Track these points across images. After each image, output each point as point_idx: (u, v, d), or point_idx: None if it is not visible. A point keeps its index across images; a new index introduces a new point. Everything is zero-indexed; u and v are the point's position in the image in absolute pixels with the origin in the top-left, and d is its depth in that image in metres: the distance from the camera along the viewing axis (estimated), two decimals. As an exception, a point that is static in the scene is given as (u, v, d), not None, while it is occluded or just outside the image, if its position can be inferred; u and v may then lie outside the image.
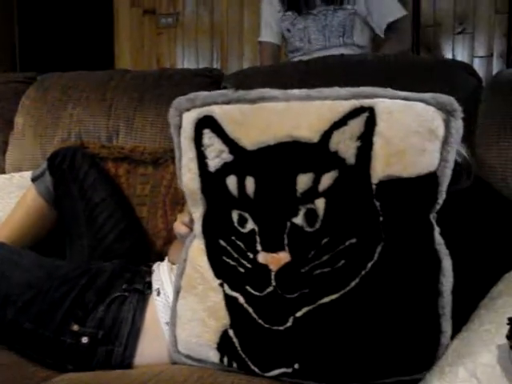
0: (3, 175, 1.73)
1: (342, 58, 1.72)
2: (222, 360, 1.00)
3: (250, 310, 0.96)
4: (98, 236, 1.44)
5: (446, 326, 0.91)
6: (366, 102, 0.88)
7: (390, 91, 0.90)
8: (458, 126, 0.88)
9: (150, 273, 1.23)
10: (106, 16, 3.59)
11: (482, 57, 2.90)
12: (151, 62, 3.54)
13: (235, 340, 0.98)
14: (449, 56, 2.92)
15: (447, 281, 0.90)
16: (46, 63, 2.49)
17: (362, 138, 0.87)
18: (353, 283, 0.90)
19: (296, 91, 0.94)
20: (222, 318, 0.99)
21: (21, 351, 1.14)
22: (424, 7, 2.95)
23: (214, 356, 1.01)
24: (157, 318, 1.12)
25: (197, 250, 1.03)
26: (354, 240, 0.89)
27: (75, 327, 1.11)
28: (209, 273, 1.00)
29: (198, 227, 1.03)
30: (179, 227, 1.12)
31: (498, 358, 0.81)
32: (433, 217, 0.91)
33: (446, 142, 0.88)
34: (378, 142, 0.86)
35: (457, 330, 0.94)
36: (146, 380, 0.97)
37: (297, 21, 2.35)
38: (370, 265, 0.89)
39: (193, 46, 3.37)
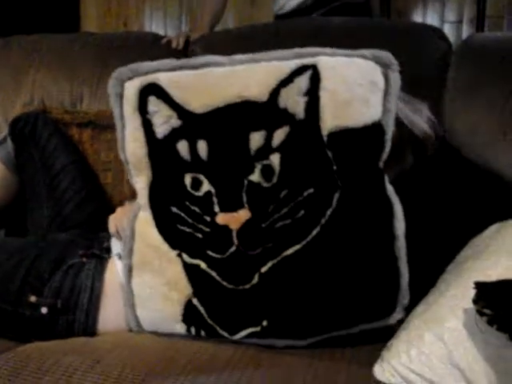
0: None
1: (311, 21, 1.70)
2: (189, 330, 1.00)
3: (214, 273, 0.95)
4: (58, 204, 1.41)
5: (404, 268, 0.94)
6: (310, 60, 0.93)
7: (330, 50, 0.96)
8: (396, 78, 0.95)
9: (108, 238, 1.21)
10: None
11: (452, 22, 2.89)
12: (118, 25, 3.46)
13: (201, 308, 0.97)
14: (419, 21, 2.90)
15: (400, 225, 0.94)
16: (8, 26, 2.41)
17: (308, 94, 0.91)
18: (314, 232, 0.92)
19: (241, 56, 0.96)
20: (184, 289, 0.97)
21: None
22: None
23: (180, 328, 1.00)
24: (117, 283, 1.09)
25: (144, 224, 1.00)
26: (311, 190, 0.92)
27: (32, 298, 1.09)
28: (163, 245, 0.98)
29: (143, 198, 1.00)
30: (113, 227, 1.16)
31: (464, 322, 0.82)
32: (382, 165, 0.96)
33: (387, 93, 0.94)
34: (324, 96, 0.91)
35: (423, 294, 0.96)
36: (110, 347, 0.95)
37: None
38: (329, 212, 0.92)
39: (161, 9, 3.30)
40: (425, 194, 1.07)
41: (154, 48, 1.70)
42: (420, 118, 1.15)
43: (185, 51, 1.69)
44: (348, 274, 0.93)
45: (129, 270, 1.03)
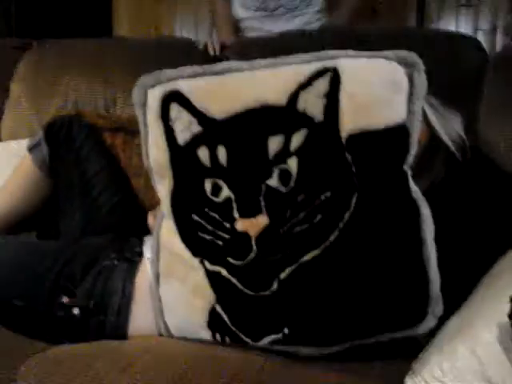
0: (-1, 143, 1.71)
1: (346, 31, 1.69)
2: (214, 337, 1.00)
3: (234, 280, 0.95)
4: (92, 209, 1.42)
5: (434, 275, 0.91)
6: (329, 63, 0.91)
7: (351, 52, 0.94)
8: (421, 78, 0.92)
9: (140, 243, 1.21)
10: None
11: (485, 30, 2.86)
12: (149, 29, 3.49)
13: (224, 315, 0.98)
14: (452, 29, 2.88)
15: (428, 228, 0.91)
16: (43, 31, 2.44)
17: (327, 96, 0.90)
18: (332, 237, 0.90)
19: (261, 60, 0.96)
20: (208, 296, 0.98)
21: (15, 328, 1.11)
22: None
23: (206, 335, 1.00)
24: (149, 286, 1.09)
25: (168, 232, 1.01)
26: (328, 193, 0.90)
27: (65, 299, 1.10)
28: (186, 253, 0.98)
29: (165, 206, 1.01)
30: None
31: (498, 336, 0.81)
32: (407, 167, 0.93)
33: (411, 94, 0.91)
34: (343, 98, 0.89)
35: (457, 305, 0.94)
36: (141, 351, 0.96)
37: None
38: (347, 215, 0.90)
39: (192, 14, 3.32)
40: (460, 204, 1.05)
41: (187, 54, 1.71)
42: (449, 127, 1.12)
43: (218, 57, 1.69)
44: (371, 280, 0.91)
45: (156, 277, 1.04)
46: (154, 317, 1.06)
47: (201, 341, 1.01)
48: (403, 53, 0.94)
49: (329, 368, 0.93)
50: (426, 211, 0.91)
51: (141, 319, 1.09)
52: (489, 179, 1.14)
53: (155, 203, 1.47)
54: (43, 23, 3.18)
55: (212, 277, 0.97)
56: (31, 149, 1.45)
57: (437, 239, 0.92)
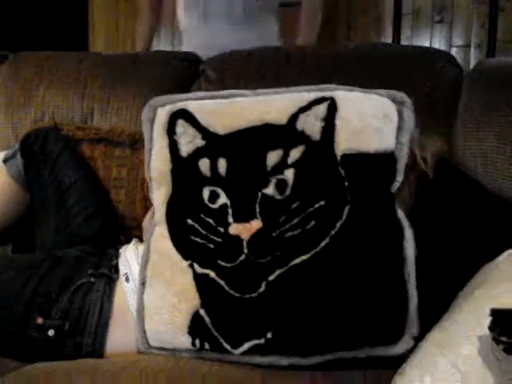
0: (-27, 156, 1.68)
1: (322, 48, 1.71)
2: (193, 343, 1.00)
3: (222, 282, 0.97)
4: (66, 219, 1.39)
5: (412, 292, 0.95)
6: (328, 93, 1.00)
7: (349, 86, 1.03)
8: (409, 114, 1.01)
9: (116, 255, 1.20)
10: (80, -3, 3.52)
11: (459, 46, 2.91)
12: (126, 44, 3.48)
13: (207, 319, 0.98)
14: (427, 44, 2.92)
15: (410, 248, 0.96)
16: (19, 43, 2.42)
17: (325, 120, 0.97)
18: (323, 243, 0.94)
19: (264, 90, 1.06)
20: (193, 299, 0.99)
21: None
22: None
23: (185, 341, 1.00)
24: (126, 305, 1.09)
25: (160, 237, 1.03)
26: (322, 202, 0.95)
27: (39, 320, 1.07)
28: (176, 256, 1.00)
29: (160, 213, 1.04)
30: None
31: (479, 350, 0.81)
32: (393, 190, 0.99)
33: (400, 128, 0.99)
34: (339, 123, 0.97)
35: (435, 320, 0.94)
36: (119, 369, 0.94)
37: None
38: (338, 224, 0.95)
39: (169, 29, 3.32)
40: (437, 220, 1.08)
41: (164, 65, 1.71)
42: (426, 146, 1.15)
43: (196, 70, 1.69)
44: (354, 290, 0.94)
45: (142, 283, 1.04)
46: (131, 337, 1.05)
47: (178, 350, 1.01)
48: (394, 92, 1.02)
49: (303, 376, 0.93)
50: (408, 231, 0.97)
51: (118, 340, 1.08)
52: (466, 194, 1.15)
53: (137, 215, 1.47)
54: (19, 36, 3.15)
55: (199, 280, 0.99)
56: (6, 161, 1.43)
57: (417, 259, 0.96)
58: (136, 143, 1.57)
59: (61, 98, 1.68)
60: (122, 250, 1.21)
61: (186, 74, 1.69)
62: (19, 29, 3.25)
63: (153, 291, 1.02)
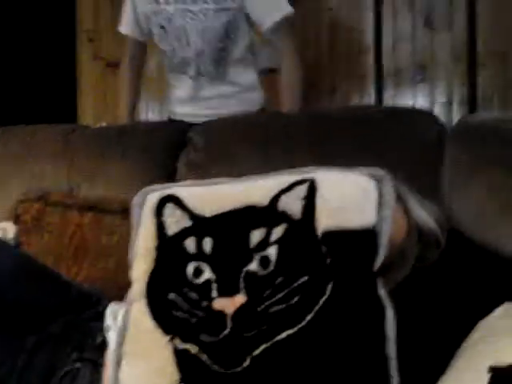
0: (-39, 231, 1.68)
1: (308, 111, 1.74)
2: None
3: (204, 357, 0.94)
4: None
5: (393, 370, 0.93)
6: (308, 176, 1.03)
7: (327, 167, 1.07)
8: (389, 190, 1.01)
9: (101, 328, 1.15)
10: (68, 69, 3.59)
11: (442, 103, 2.96)
12: (115, 115, 3.53)
13: None
14: (409, 103, 2.97)
15: (391, 328, 0.94)
16: (7, 116, 2.46)
17: (305, 199, 0.99)
18: (308, 317, 0.93)
19: (248, 176, 1.10)
20: (172, 375, 0.95)
21: None
22: (384, 57, 3.03)
23: None
24: None
25: (137, 313, 1.01)
26: (305, 278, 0.95)
27: None
28: (156, 331, 0.98)
29: (139, 286, 1.03)
30: None
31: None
32: (376, 267, 0.98)
33: (380, 203, 1.00)
34: (319, 201, 0.99)
35: (434, 379, 0.94)
36: None
37: (173, 17, 2.07)
38: (322, 300, 0.94)
39: (157, 99, 3.37)
40: (427, 277, 1.08)
41: (151, 136, 1.74)
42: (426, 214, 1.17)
43: (183, 137, 1.71)
44: (337, 367, 0.93)
45: (117, 362, 1.00)
46: None
47: None
48: (371, 169, 1.04)
49: None
50: (389, 312, 0.95)
51: None
52: (458, 250, 1.16)
53: (126, 284, 1.45)
54: (8, 109, 3.20)
55: (180, 355, 0.96)
56: None
57: (400, 336, 0.94)
58: (127, 211, 1.56)
59: (48, 172, 1.71)
60: (109, 312, 1.18)
61: (174, 142, 1.71)
62: (7, 102, 3.31)
63: (129, 369, 0.99)
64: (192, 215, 1.03)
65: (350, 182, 1.03)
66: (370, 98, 3.06)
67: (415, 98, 3.01)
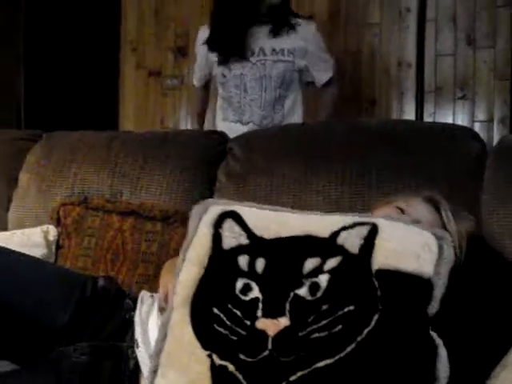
0: (5, 232, 1.72)
1: (348, 124, 1.74)
2: None
3: (240, 376, 0.93)
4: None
5: None
6: (370, 220, 1.04)
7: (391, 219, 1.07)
8: (449, 249, 1.01)
9: (132, 345, 1.15)
10: (111, 77, 3.66)
11: (482, 121, 2.93)
12: (155, 123, 3.58)
13: None
14: (449, 120, 2.95)
15: (443, 368, 0.93)
16: (51, 123, 2.51)
17: (365, 239, 1.00)
18: (349, 348, 0.92)
19: (311, 211, 1.15)
20: None
21: None
22: (426, 73, 3.01)
23: None
24: None
25: (179, 323, 1.01)
26: (352, 307, 0.94)
27: None
28: (195, 344, 0.98)
29: (185, 293, 1.02)
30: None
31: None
32: (431, 312, 0.97)
33: (439, 259, 0.99)
34: (378, 242, 1.00)
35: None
36: None
37: (234, 66, 2.33)
38: (366, 331, 0.92)
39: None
40: (468, 299, 1.07)
41: (192, 144, 1.76)
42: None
43: (224, 147, 1.73)
44: None
45: (154, 371, 1.01)
46: None
47: None
48: (435, 229, 1.05)
49: None
50: (442, 351, 0.94)
51: None
52: (496, 270, 1.14)
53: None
54: (52, 116, 3.27)
55: (216, 371, 0.95)
56: None
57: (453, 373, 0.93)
58: (168, 218, 1.58)
59: (91, 177, 1.73)
60: (138, 324, 1.17)
61: (214, 152, 1.73)
62: (51, 109, 3.38)
63: (164, 380, 0.99)
64: (250, 234, 1.05)
65: (412, 231, 1.03)
66: (410, 115, 3.05)
67: (455, 115, 2.99)
